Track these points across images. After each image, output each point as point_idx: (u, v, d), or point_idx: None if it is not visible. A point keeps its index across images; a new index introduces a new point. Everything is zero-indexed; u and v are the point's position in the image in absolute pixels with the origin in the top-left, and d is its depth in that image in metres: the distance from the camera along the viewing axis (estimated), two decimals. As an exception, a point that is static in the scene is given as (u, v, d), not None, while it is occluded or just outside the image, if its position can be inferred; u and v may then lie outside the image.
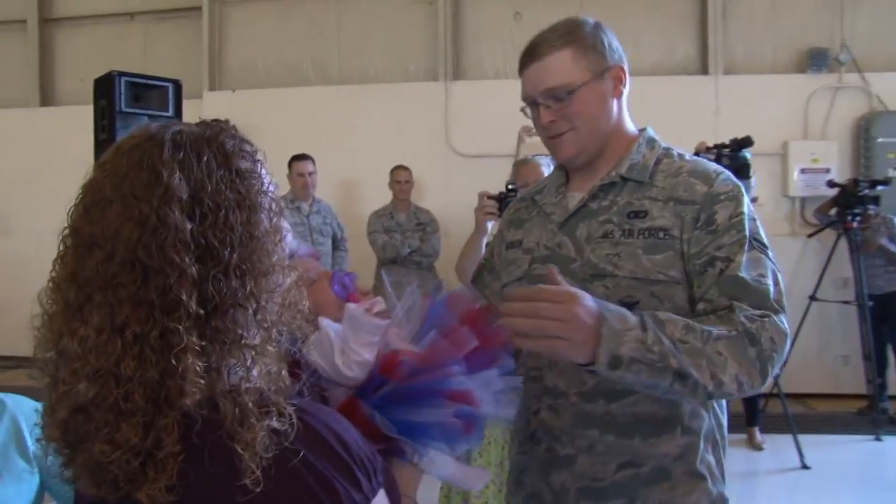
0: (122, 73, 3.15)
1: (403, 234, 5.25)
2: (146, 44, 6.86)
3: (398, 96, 6.19)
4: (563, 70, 1.41)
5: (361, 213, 5.54)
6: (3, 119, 6.75)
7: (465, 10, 6.23)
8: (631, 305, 1.29)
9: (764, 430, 4.70)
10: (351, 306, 1.18)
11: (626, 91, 1.47)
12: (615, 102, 1.46)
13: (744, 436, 4.65)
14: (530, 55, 1.46)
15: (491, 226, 2.43)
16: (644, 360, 1.17)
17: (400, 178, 5.35)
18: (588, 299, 1.17)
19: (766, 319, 1.27)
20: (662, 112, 5.32)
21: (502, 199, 2.59)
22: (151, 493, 0.74)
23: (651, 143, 1.50)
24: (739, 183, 1.41)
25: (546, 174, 2.38)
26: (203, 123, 0.87)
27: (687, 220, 1.36)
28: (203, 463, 0.76)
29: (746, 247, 1.33)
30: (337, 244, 5.27)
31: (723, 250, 1.33)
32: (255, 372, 0.80)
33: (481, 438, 1.23)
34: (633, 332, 1.18)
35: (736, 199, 1.36)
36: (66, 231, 0.82)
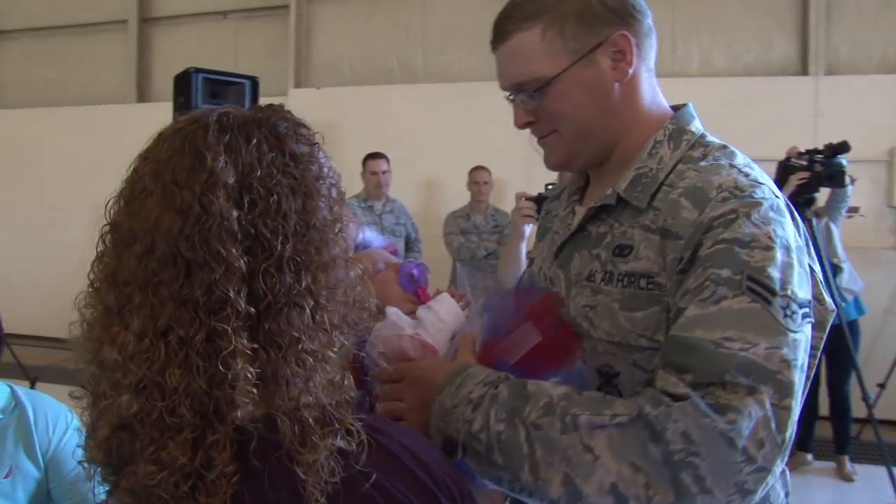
0: (198, 70, 3.19)
1: (480, 236, 5.17)
2: (237, 41, 7.01)
3: (482, 95, 6.06)
4: (529, 58, 1.04)
5: (441, 213, 5.49)
6: (101, 114, 7.02)
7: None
8: (610, 378, 1.00)
9: (855, 460, 4.32)
10: (389, 310, 1.07)
11: (637, 63, 1.06)
12: (617, 86, 1.05)
13: (832, 465, 4.32)
14: (495, 32, 1.08)
15: (529, 229, 2.16)
16: (470, 449, 0.88)
17: (478, 179, 5.24)
18: (431, 367, 0.96)
19: (682, 404, 0.83)
20: (758, 114, 5.11)
21: (541, 201, 2.28)
22: None
23: (679, 135, 1.07)
24: (760, 196, 0.94)
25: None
26: (255, 107, 0.79)
27: (668, 262, 0.95)
28: (262, 486, 0.68)
29: (721, 290, 0.88)
30: (410, 245, 5.23)
31: (684, 299, 0.91)
32: (314, 382, 0.71)
33: None
34: (459, 409, 0.90)
35: (734, 223, 0.91)
36: (106, 228, 0.74)
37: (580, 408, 0.87)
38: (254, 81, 3.51)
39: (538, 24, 1.03)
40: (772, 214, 0.93)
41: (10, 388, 1.86)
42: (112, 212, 0.74)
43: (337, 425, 0.70)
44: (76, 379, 0.75)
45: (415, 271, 1.16)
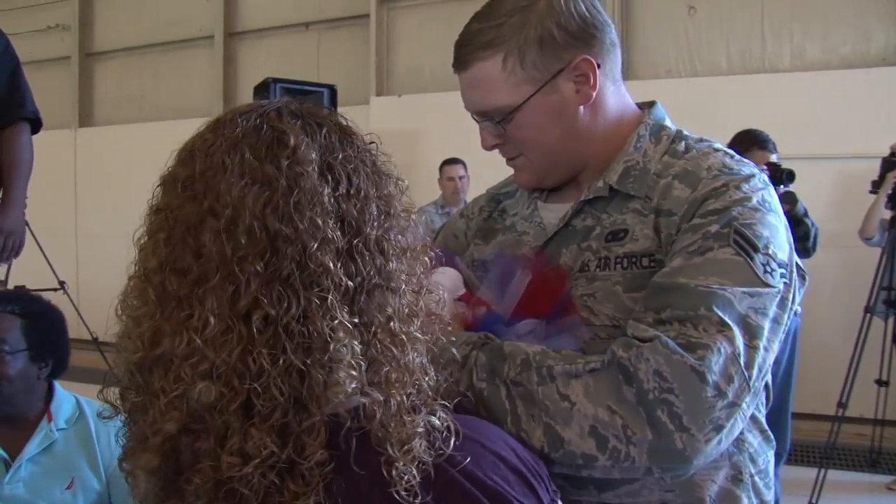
0: (277, 80, 3.23)
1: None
2: (319, 52, 7.11)
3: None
4: (492, 87, 1.03)
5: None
6: (189, 128, 7.19)
7: (635, 5, 5.97)
8: None
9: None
10: None
11: (602, 81, 1.05)
12: (582, 108, 1.05)
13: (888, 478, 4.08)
14: (455, 59, 1.08)
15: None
16: (463, 407, 0.87)
17: (453, 175, 5.07)
18: None
19: (651, 343, 0.85)
20: (857, 109, 4.85)
21: None
22: None
23: (658, 131, 1.09)
24: (749, 171, 1.00)
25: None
26: (309, 103, 0.77)
27: (664, 238, 0.98)
28: (353, 474, 0.63)
29: (708, 242, 0.92)
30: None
31: (675, 258, 0.94)
32: (406, 363, 0.68)
33: None
34: (452, 369, 0.89)
35: (725, 193, 0.96)
36: (153, 221, 0.70)
37: (555, 360, 0.90)
38: (332, 90, 3.53)
39: (498, 53, 1.02)
40: (760, 184, 0.99)
41: (76, 399, 1.89)
42: (159, 202, 0.71)
43: (426, 409, 0.67)
44: None
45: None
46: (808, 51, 5.37)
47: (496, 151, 1.15)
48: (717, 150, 1.06)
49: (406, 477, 0.62)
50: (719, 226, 0.93)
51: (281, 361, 0.62)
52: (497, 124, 1.07)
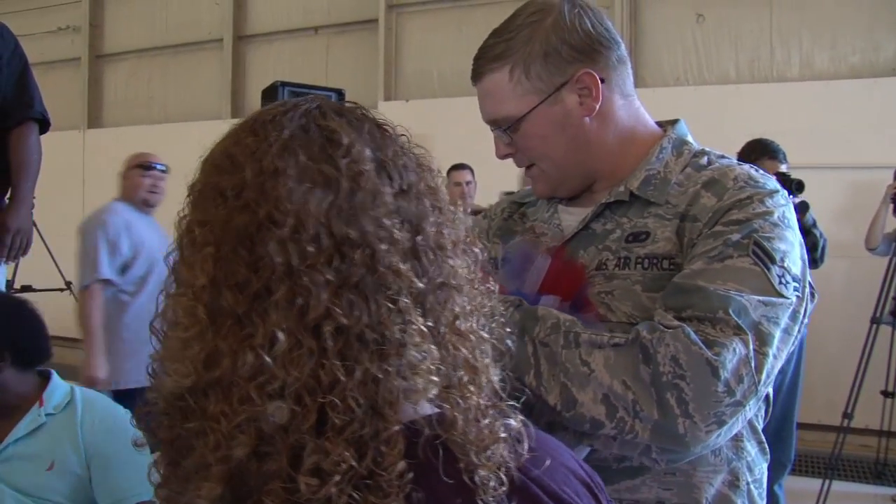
0: (285, 83, 3.22)
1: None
2: (328, 56, 7.13)
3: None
4: (501, 97, 1.11)
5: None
6: (196, 130, 7.25)
7: (644, 14, 5.98)
8: None
9: None
10: None
11: (608, 94, 1.11)
12: (588, 120, 1.10)
13: (893, 490, 4.05)
14: (472, 71, 1.16)
15: None
16: None
17: (460, 180, 5.05)
18: None
19: (674, 331, 0.90)
20: (865, 118, 4.84)
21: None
22: None
23: (679, 145, 1.14)
24: (773, 187, 1.05)
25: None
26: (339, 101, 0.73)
27: (685, 243, 1.03)
28: (431, 480, 0.60)
29: (728, 250, 0.97)
30: (495, 256, 5.14)
31: (695, 261, 0.99)
32: (476, 364, 0.65)
33: None
34: None
35: (749, 205, 1.01)
36: (198, 235, 0.64)
37: (583, 329, 0.96)
38: (340, 94, 3.53)
39: (506, 65, 1.09)
40: (782, 201, 1.04)
41: (71, 387, 1.94)
42: (194, 212, 0.66)
43: (496, 410, 0.64)
44: None
45: None
46: (816, 60, 5.37)
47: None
48: (741, 164, 1.11)
49: (491, 483, 0.60)
50: (740, 236, 0.98)
51: (356, 371, 0.58)
52: (505, 132, 1.12)
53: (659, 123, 1.21)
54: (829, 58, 5.35)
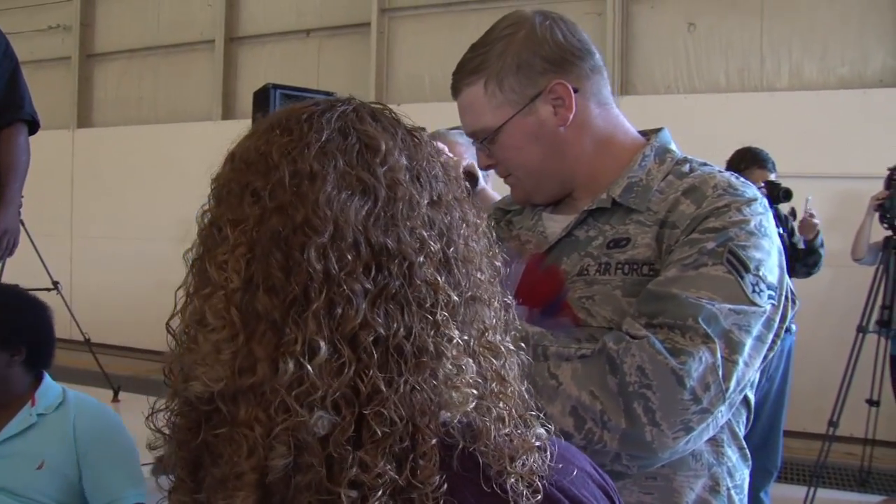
0: (277, 86, 3.21)
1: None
2: (319, 59, 7.13)
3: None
4: (476, 110, 1.14)
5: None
6: (187, 131, 7.24)
7: (636, 22, 6.01)
8: None
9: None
10: None
11: (583, 103, 1.13)
12: (563, 129, 1.13)
13: (878, 498, 4.08)
14: (451, 86, 1.19)
15: None
16: None
17: None
18: None
19: (640, 341, 0.92)
20: (853, 129, 4.88)
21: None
22: None
23: (662, 153, 1.16)
24: (752, 195, 1.06)
25: (466, 153, 1.89)
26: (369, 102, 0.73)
27: (663, 250, 1.04)
28: (464, 492, 0.60)
29: (702, 259, 0.98)
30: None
31: (670, 268, 1.00)
32: (506, 374, 0.65)
33: None
34: None
35: (726, 213, 1.02)
36: (225, 231, 0.62)
37: (550, 341, 0.98)
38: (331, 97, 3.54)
39: (481, 79, 1.12)
40: (760, 209, 1.05)
41: (63, 389, 1.96)
42: (220, 210, 0.64)
43: (524, 420, 0.64)
44: (159, 390, 0.65)
45: None
46: (806, 70, 5.41)
47: None
48: (722, 171, 1.12)
49: (524, 492, 0.60)
50: (716, 244, 0.99)
51: (395, 383, 0.58)
52: (483, 144, 1.16)
53: (644, 133, 1.22)
54: (819, 68, 5.39)
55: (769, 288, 1.00)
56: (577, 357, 0.95)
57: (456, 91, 1.17)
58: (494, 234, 1.25)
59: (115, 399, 5.06)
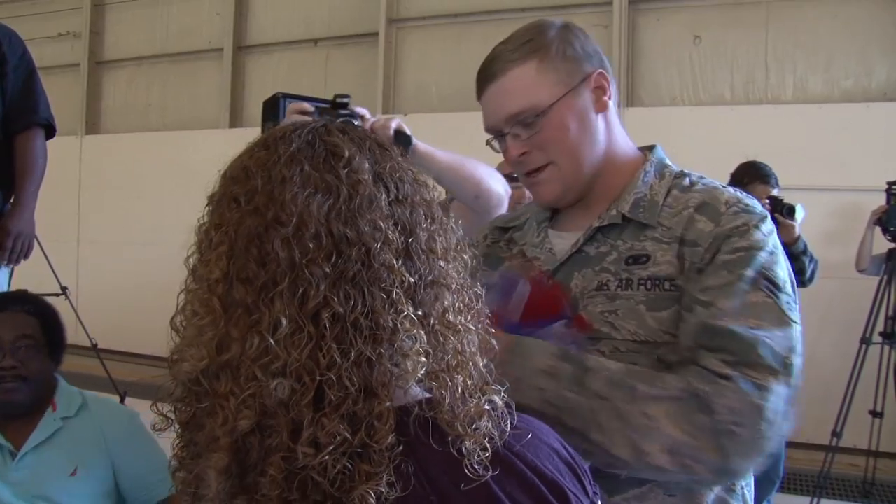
0: (286, 95, 3.24)
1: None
2: (327, 68, 7.17)
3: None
4: (527, 88, 1.14)
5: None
6: (195, 139, 7.29)
7: (641, 34, 6.04)
8: None
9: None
10: None
11: (612, 102, 1.19)
12: (600, 119, 1.18)
13: None
14: (484, 76, 1.19)
15: None
16: (546, 413, 0.97)
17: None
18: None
19: (728, 383, 0.98)
20: (856, 141, 4.90)
21: (328, 114, 1.67)
22: (368, 493, 0.64)
23: (661, 168, 1.21)
24: (761, 212, 1.12)
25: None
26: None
27: (687, 267, 1.09)
28: (419, 452, 0.68)
29: (744, 286, 1.04)
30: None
31: (707, 293, 1.06)
32: (464, 350, 0.73)
33: None
34: (531, 379, 1.01)
35: (747, 233, 1.08)
36: (214, 237, 0.72)
37: (636, 380, 1.01)
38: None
39: (531, 60, 1.15)
40: (770, 225, 1.12)
41: (80, 392, 1.98)
42: (212, 217, 0.74)
43: (484, 393, 0.71)
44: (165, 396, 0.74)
45: None
46: (810, 83, 5.43)
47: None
48: (724, 186, 1.18)
49: (476, 451, 0.67)
50: (753, 272, 1.05)
51: (351, 354, 0.66)
52: (529, 125, 1.15)
53: (638, 148, 1.28)
54: (823, 81, 5.41)
55: (795, 301, 1.07)
56: (668, 398, 0.99)
57: (495, 76, 1.17)
58: (493, 254, 1.28)
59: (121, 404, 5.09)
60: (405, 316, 0.68)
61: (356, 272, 0.67)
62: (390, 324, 0.67)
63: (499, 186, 1.56)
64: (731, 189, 1.17)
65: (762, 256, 1.07)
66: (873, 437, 4.03)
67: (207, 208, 0.76)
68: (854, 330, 4.03)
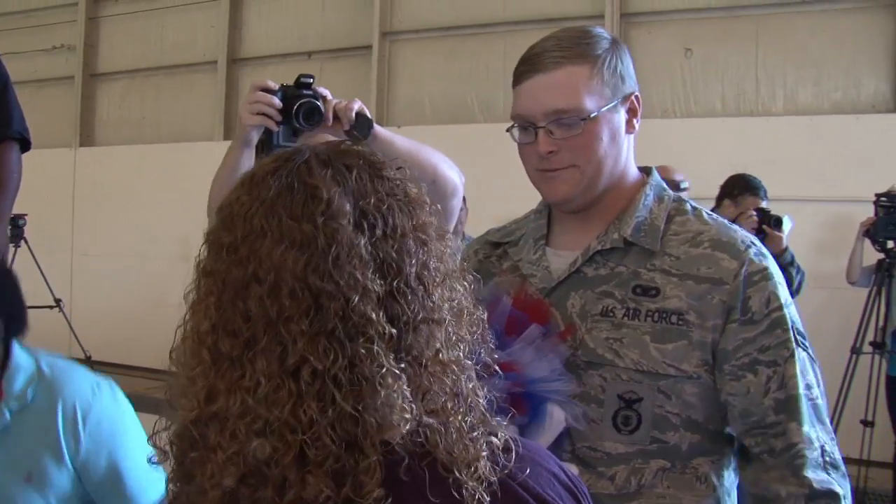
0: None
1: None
2: (321, 81, 7.13)
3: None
4: (577, 89, 1.13)
5: (518, 250, 5.46)
6: (188, 151, 7.29)
7: (633, 47, 6.08)
8: (632, 402, 1.12)
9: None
10: None
11: (637, 127, 1.22)
12: (627, 139, 1.21)
13: None
14: (534, 64, 1.16)
15: (259, 133, 1.67)
16: None
17: None
18: None
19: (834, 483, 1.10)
20: (846, 153, 4.94)
21: (289, 96, 1.70)
22: None
23: (660, 193, 1.23)
24: (770, 255, 1.18)
25: None
26: (336, 142, 0.81)
27: (713, 305, 1.11)
28: (416, 500, 0.67)
29: (796, 350, 1.13)
30: (489, 281, 5.18)
31: (768, 353, 1.12)
32: (459, 389, 0.72)
33: (538, 418, 1.10)
34: None
35: (771, 281, 1.13)
36: (204, 284, 0.73)
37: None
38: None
39: (587, 64, 1.14)
40: (773, 261, 1.19)
41: (38, 364, 1.44)
42: (205, 261, 0.74)
43: (484, 428, 0.71)
44: (157, 408, 0.75)
45: None
46: (800, 95, 5.48)
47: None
48: (723, 222, 1.22)
49: (476, 496, 0.66)
50: (792, 331, 1.14)
51: (330, 411, 0.65)
52: (571, 127, 1.14)
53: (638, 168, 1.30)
54: (813, 94, 5.46)
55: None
56: None
57: (553, 65, 1.15)
58: (485, 269, 1.29)
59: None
60: (386, 370, 0.67)
61: (334, 326, 0.67)
62: (372, 377, 0.66)
63: (454, 174, 1.59)
64: (736, 227, 1.22)
65: (788, 312, 1.15)
66: (864, 447, 4.05)
67: (203, 245, 0.75)
68: (845, 340, 4.05)
